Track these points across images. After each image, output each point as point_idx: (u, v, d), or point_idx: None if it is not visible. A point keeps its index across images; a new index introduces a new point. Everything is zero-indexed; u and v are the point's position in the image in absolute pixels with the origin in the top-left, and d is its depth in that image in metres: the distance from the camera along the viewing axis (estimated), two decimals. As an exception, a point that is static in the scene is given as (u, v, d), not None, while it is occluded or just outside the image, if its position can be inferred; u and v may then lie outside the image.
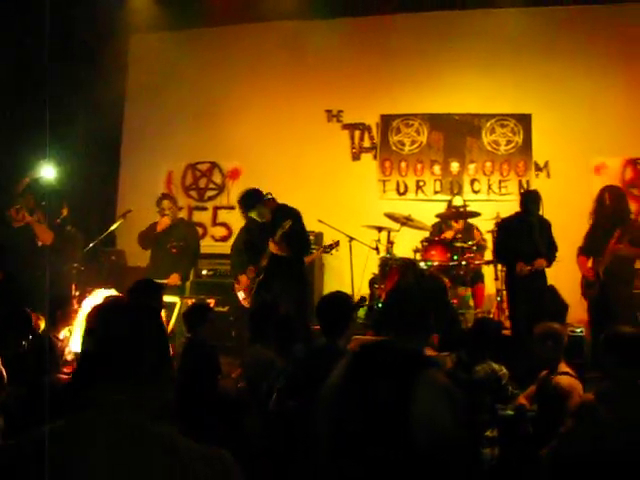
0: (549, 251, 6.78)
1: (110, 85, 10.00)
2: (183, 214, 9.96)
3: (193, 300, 8.11)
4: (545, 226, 6.85)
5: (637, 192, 9.40)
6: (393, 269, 7.96)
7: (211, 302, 8.26)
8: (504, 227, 7.16)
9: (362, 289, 8.49)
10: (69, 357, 6.73)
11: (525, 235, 6.64)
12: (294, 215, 6.96)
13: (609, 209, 6.98)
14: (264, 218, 7.00)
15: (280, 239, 6.82)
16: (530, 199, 6.89)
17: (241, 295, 7.54)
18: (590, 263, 6.99)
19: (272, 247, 6.85)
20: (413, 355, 2.75)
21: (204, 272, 9.45)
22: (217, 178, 10.74)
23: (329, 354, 3.80)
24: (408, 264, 7.75)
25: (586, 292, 7.03)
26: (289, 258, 6.94)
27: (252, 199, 7.02)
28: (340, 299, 4.59)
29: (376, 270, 8.30)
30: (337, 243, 8.58)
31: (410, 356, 2.74)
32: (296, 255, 7.07)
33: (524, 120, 9.77)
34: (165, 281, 7.77)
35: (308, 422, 2.95)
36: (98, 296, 6.13)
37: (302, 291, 7.14)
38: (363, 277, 8.50)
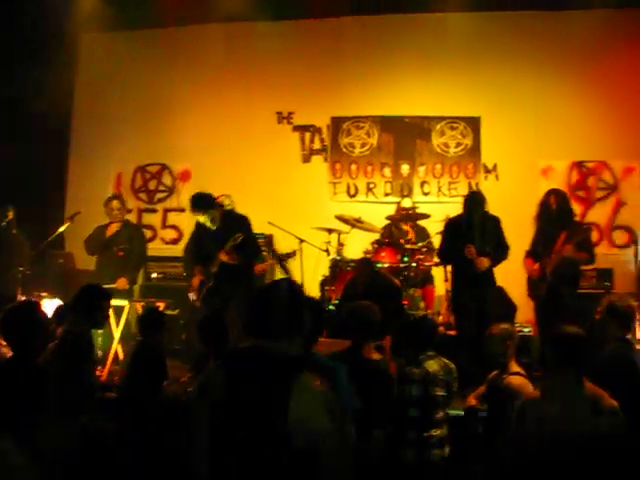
0: (497, 250, 6.79)
1: (59, 85, 9.82)
2: (132, 216, 9.86)
3: (142, 304, 8.02)
4: (492, 225, 6.85)
5: (583, 194, 9.58)
6: (343, 271, 7.96)
7: (161, 306, 8.16)
8: (448, 228, 7.18)
9: (312, 291, 8.46)
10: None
11: (467, 235, 6.66)
12: (244, 224, 6.96)
13: (554, 212, 7.07)
14: (215, 224, 6.93)
15: (231, 249, 6.75)
16: (471, 200, 6.92)
17: (193, 297, 7.50)
18: (537, 265, 7.07)
19: (223, 256, 6.77)
20: (285, 360, 2.81)
21: (154, 275, 9.33)
22: (167, 180, 10.62)
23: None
24: (364, 262, 7.71)
25: (533, 293, 7.11)
26: (239, 265, 6.89)
27: (205, 203, 6.94)
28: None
29: (327, 272, 8.29)
30: (293, 253, 8.55)
31: (282, 361, 2.80)
32: (246, 263, 7.03)
33: (473, 123, 9.87)
34: (113, 285, 7.68)
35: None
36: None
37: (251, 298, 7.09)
38: (314, 279, 8.47)
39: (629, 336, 4.93)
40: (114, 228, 8.21)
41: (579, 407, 3.79)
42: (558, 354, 3.97)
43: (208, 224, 6.93)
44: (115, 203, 8.25)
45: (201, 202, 6.93)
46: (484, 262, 6.62)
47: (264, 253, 8.50)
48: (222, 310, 6.74)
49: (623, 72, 9.61)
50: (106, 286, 7.38)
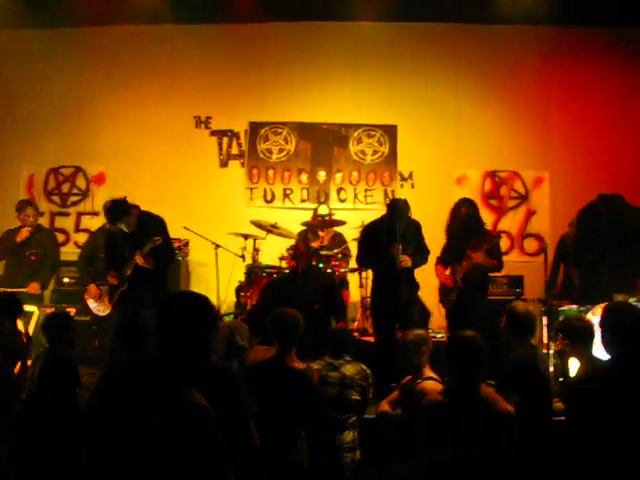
0: (417, 253, 6.82)
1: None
2: (45, 220, 9.62)
3: (52, 309, 7.82)
4: (414, 230, 6.89)
5: (495, 203, 9.81)
6: (259, 277, 7.91)
7: (72, 311, 7.97)
8: (367, 233, 7.20)
9: (228, 297, 8.40)
10: None
11: (388, 240, 6.68)
12: (161, 225, 6.82)
13: (465, 220, 7.17)
14: (131, 228, 6.75)
15: (148, 253, 6.60)
16: (395, 207, 6.93)
17: (92, 304, 7.38)
18: (448, 271, 7.16)
19: (139, 260, 6.59)
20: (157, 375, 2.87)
21: (65, 280, 9.08)
22: (81, 183, 10.36)
23: None
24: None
25: (444, 299, 7.20)
26: (154, 269, 6.76)
27: (120, 211, 6.71)
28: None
29: (242, 278, 8.23)
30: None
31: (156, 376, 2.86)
32: (161, 267, 6.91)
33: (390, 131, 9.99)
34: (24, 290, 7.50)
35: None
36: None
37: None
38: (229, 285, 8.40)
39: (532, 341, 5.01)
40: (25, 233, 8.03)
41: (474, 410, 3.89)
42: (455, 358, 4.07)
43: (124, 229, 6.76)
44: (30, 210, 8.12)
45: (116, 212, 6.69)
46: (407, 260, 6.60)
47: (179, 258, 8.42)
48: (134, 316, 6.67)
49: (536, 86, 9.94)
50: (17, 290, 7.24)
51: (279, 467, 4.37)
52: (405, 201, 6.90)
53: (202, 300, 3.11)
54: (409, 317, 6.46)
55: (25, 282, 7.76)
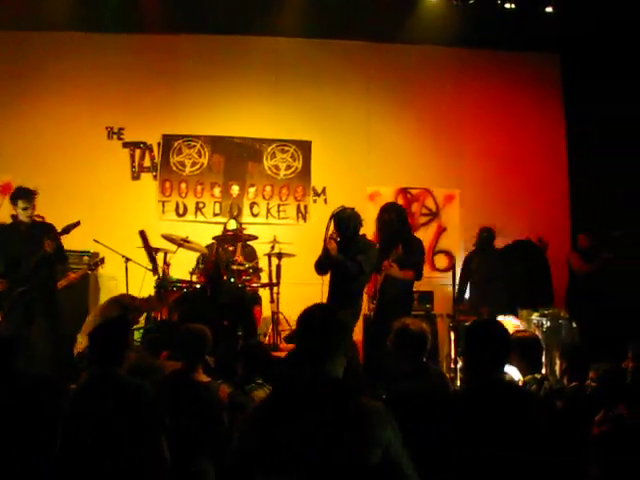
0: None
1: None
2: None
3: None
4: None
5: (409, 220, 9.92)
6: (169, 291, 7.82)
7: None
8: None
9: (138, 311, 8.26)
10: None
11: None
12: (54, 232, 6.91)
13: (384, 226, 7.16)
14: (26, 219, 6.86)
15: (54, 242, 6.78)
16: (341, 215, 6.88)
17: None
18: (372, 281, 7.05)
19: (48, 245, 6.72)
20: None
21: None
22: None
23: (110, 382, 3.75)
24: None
25: (369, 307, 7.12)
26: (48, 270, 6.96)
27: (23, 191, 6.92)
28: (116, 323, 4.43)
29: (152, 292, 8.11)
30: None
31: None
32: (57, 260, 7.10)
33: (304, 146, 10.05)
34: None
35: None
36: None
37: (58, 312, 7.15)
38: (139, 299, 8.26)
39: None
40: None
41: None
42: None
43: (26, 217, 6.85)
44: None
45: (19, 191, 6.92)
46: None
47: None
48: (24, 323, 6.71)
49: (448, 106, 10.19)
50: None
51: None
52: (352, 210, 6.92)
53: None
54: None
55: None
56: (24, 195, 6.85)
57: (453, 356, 7.20)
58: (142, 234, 7.84)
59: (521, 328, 6.19)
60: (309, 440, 2.46)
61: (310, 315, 2.78)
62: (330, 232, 6.72)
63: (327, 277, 6.95)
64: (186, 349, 4.66)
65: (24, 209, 6.78)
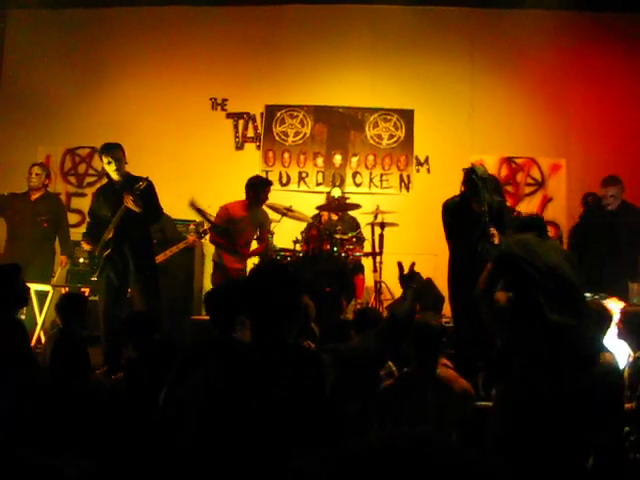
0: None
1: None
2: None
3: (67, 289, 7.85)
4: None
5: (512, 189, 9.75)
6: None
7: (86, 291, 8.01)
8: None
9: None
10: None
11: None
12: (149, 181, 6.55)
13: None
14: (119, 175, 6.57)
15: (137, 197, 6.33)
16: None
17: None
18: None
19: (127, 201, 6.30)
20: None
21: (81, 260, 9.09)
22: (97, 164, 10.35)
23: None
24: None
25: None
26: (140, 227, 6.57)
27: (113, 147, 6.64)
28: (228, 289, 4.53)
29: (256, 260, 8.23)
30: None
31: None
32: (147, 218, 6.63)
33: (406, 115, 9.94)
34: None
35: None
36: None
37: (154, 270, 6.85)
38: (243, 268, 8.39)
39: None
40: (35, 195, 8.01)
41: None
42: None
43: (112, 171, 6.57)
44: (36, 169, 8.11)
45: (109, 147, 6.62)
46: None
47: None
48: (122, 285, 6.54)
49: (553, 72, 9.84)
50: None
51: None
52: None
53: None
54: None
55: (36, 250, 7.77)
56: (105, 150, 6.57)
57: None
58: (193, 205, 7.73)
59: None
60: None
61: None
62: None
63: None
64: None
65: (108, 163, 6.52)
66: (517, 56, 9.88)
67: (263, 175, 9.47)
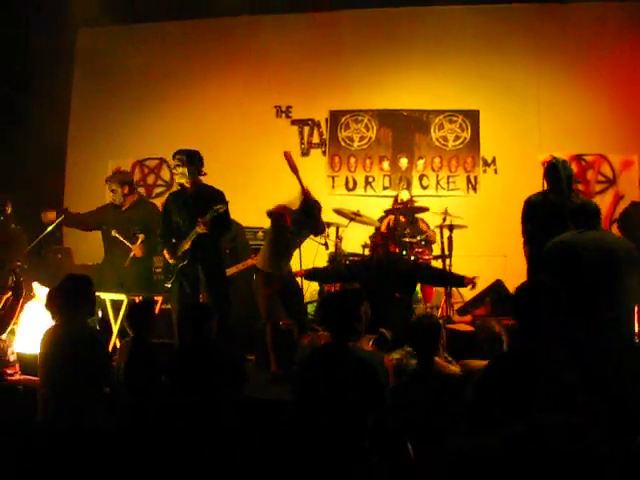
0: None
1: (56, 80, 9.82)
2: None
3: (140, 297, 7.94)
4: None
5: (582, 187, 9.56)
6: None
7: (158, 300, 8.09)
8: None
9: (311, 285, 8.44)
10: (12, 357, 6.61)
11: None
12: (221, 196, 6.48)
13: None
14: (189, 185, 6.50)
15: (209, 221, 6.28)
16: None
17: None
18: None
19: (200, 229, 6.30)
20: None
21: (158, 270, 9.14)
22: (165, 174, 10.61)
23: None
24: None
25: None
26: (212, 242, 6.53)
27: (188, 153, 6.51)
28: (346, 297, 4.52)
29: (325, 264, 8.25)
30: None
31: None
32: (219, 235, 6.63)
33: (472, 116, 9.87)
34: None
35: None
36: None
37: (224, 279, 6.94)
38: (312, 273, 8.43)
39: None
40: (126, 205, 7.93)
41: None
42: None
43: (176, 178, 6.61)
44: (111, 185, 7.95)
45: (184, 153, 6.51)
46: None
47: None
48: (194, 295, 6.55)
49: (622, 66, 9.61)
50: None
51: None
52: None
53: None
54: None
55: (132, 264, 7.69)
56: (174, 155, 6.52)
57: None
58: (287, 155, 7.38)
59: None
60: None
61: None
62: None
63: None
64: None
65: (174, 167, 6.51)
66: (583, 50, 9.67)
67: (330, 181, 9.56)
